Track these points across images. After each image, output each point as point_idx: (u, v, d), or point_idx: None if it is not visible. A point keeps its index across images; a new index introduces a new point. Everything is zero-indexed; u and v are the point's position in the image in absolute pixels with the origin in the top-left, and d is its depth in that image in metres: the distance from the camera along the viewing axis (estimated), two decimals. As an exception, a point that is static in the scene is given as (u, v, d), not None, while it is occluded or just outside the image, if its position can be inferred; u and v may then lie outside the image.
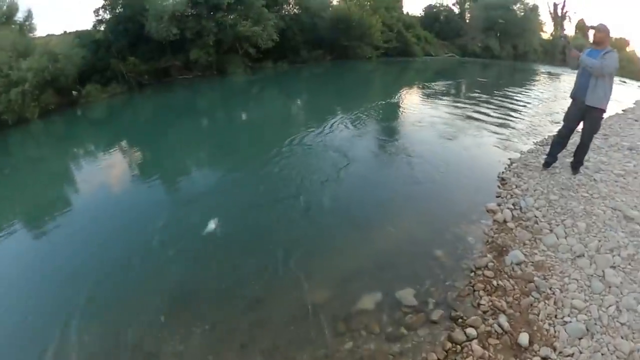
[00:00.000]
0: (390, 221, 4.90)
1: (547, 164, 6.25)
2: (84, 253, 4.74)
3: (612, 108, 6.39)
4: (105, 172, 7.70)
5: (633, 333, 3.21)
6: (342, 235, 4.64)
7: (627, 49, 43.49)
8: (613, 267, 3.92)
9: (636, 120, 11.23)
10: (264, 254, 4.35)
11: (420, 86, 16.53)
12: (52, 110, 14.19)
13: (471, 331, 3.19)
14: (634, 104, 15.25)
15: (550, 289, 3.65)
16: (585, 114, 5.48)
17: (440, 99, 13.06)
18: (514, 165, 6.57)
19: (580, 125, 5.76)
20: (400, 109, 11.85)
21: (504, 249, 4.21)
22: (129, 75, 17.37)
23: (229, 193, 6.04)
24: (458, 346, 3.10)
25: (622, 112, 12.16)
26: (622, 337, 3.16)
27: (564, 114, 5.95)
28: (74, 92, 15.64)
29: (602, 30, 5.23)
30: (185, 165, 7.87)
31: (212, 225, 4.95)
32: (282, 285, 3.89)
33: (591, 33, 5.52)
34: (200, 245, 4.67)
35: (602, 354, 3.01)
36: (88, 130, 12.66)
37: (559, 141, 6.07)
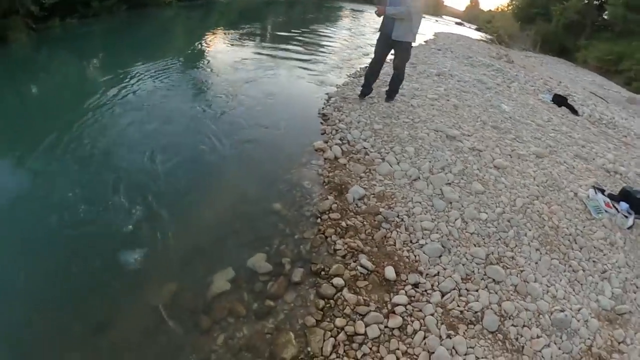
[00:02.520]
0: (217, 185, 4.63)
1: (364, 95, 6.92)
2: None
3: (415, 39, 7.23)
4: None
5: (483, 239, 3.86)
6: (169, 214, 4.18)
7: None
8: (449, 184, 4.54)
9: (439, 50, 13.21)
10: (85, 253, 3.65)
11: (226, 29, 16.23)
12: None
13: (338, 281, 3.26)
14: (434, 35, 17.87)
15: (397, 216, 4.00)
16: (393, 46, 6.23)
17: (247, 41, 13.00)
18: (333, 99, 6.94)
19: (391, 57, 6.58)
20: (207, 57, 11.37)
21: (343, 186, 4.40)
22: None
23: (26, 184, 4.92)
24: (331, 300, 3.14)
25: (424, 43, 14.05)
26: (475, 245, 3.75)
27: (374, 47, 6.49)
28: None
29: None
30: None
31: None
32: (117, 294, 3.33)
33: None
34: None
35: (463, 264, 3.54)
36: None
37: (371, 72, 6.77)
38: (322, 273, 3.38)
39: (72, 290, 3.42)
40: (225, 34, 15.48)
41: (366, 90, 6.87)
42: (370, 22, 19.45)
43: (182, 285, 3.39)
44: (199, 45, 13.19)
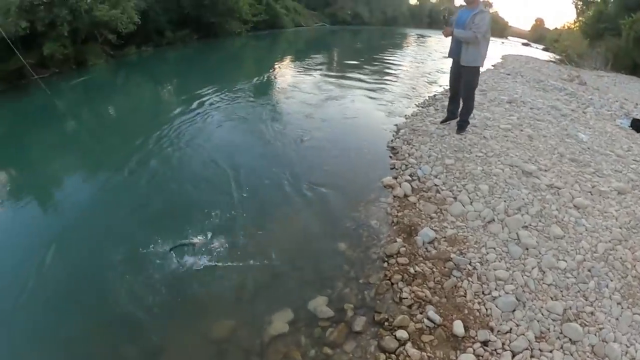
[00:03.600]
0: (282, 218, 4.54)
1: (446, 119, 6.79)
2: None
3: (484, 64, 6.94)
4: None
5: (561, 291, 3.41)
6: (232, 245, 4.15)
7: (491, 10, 49.66)
8: (525, 227, 4.14)
9: (508, 74, 12.59)
10: (150, 274, 3.71)
11: (294, 58, 16.62)
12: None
13: (402, 334, 3.01)
14: (502, 58, 17.18)
15: (469, 264, 3.68)
16: (461, 71, 6.00)
17: (314, 69, 13.16)
18: (402, 131, 6.73)
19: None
20: (275, 85, 11.64)
21: (413, 227, 4.15)
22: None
23: (102, 204, 5.13)
24: (393, 355, 2.91)
25: (492, 67, 13.51)
26: (552, 299, 3.32)
27: (443, 74, 6.37)
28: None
29: None
30: (53, 181, 6.54)
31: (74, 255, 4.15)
32: (172, 325, 3.32)
33: None
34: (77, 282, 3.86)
35: (538, 321, 3.12)
36: None
37: (450, 99, 6.64)
38: (386, 323, 3.16)
39: (130, 310, 3.42)
40: (292, 62, 15.75)
41: (448, 116, 6.76)
42: (439, 47, 19.01)
43: (240, 322, 3.29)
44: (268, 73, 13.47)
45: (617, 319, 3.22)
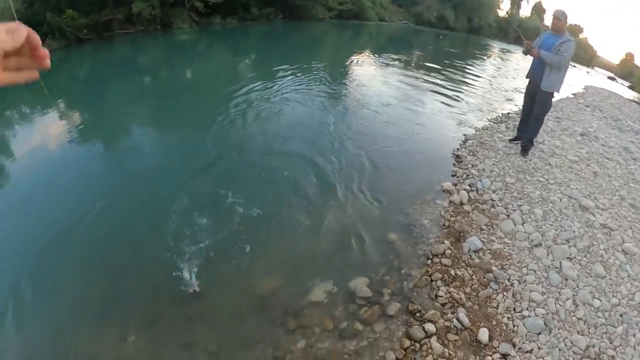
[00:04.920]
0: (340, 202, 4.71)
1: (515, 139, 6.62)
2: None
3: (563, 91, 6.68)
4: (38, 137, 6.72)
5: (589, 328, 3.37)
6: (289, 216, 4.38)
7: (580, 36, 46.74)
8: (570, 258, 4.08)
9: (587, 106, 11.97)
10: (201, 236, 3.99)
11: (374, 52, 16.44)
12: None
13: (430, 327, 3.13)
14: (584, 89, 16.27)
15: (508, 280, 3.71)
16: (536, 93, 5.84)
17: (393, 67, 13.02)
18: (469, 142, 6.66)
19: None
20: (352, 75, 11.65)
21: (462, 234, 4.21)
22: (66, 30, 15.61)
23: (172, 162, 5.51)
24: (417, 344, 3.04)
25: (572, 95, 12.88)
26: (578, 332, 3.30)
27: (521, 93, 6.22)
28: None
29: (560, 18, 5.52)
30: (128, 129, 7.11)
31: (149, 201, 4.54)
32: (223, 273, 3.59)
33: (548, 16, 5.75)
34: (137, 223, 4.25)
35: (560, 350, 3.12)
36: (20, 93, 11.22)
37: (522, 120, 6.47)
38: (417, 314, 3.28)
39: (180, 254, 3.72)
40: (372, 55, 15.58)
41: (517, 136, 6.61)
42: (521, 65, 18.20)
43: (283, 285, 3.51)
44: (346, 62, 13.43)
45: (637, 370, 3.19)
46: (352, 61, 13.86)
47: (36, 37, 0.67)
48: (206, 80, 10.99)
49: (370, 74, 11.74)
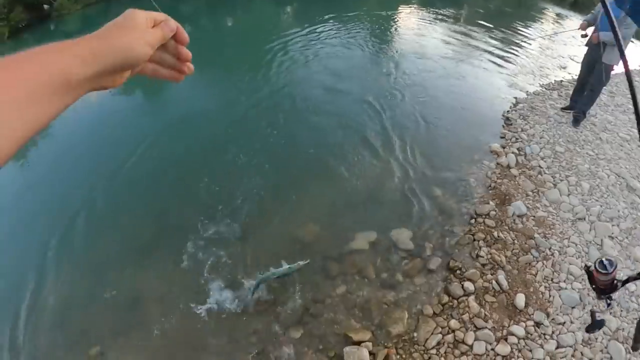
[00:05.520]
0: (386, 152, 4.60)
1: (567, 107, 6.25)
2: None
3: (620, 66, 6.23)
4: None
5: (621, 311, 3.29)
6: (336, 163, 4.31)
7: None
8: (611, 237, 3.95)
9: (644, 84, 11.18)
10: (247, 178, 3.97)
11: (422, 5, 15.50)
12: (23, 27, 12.85)
13: (469, 285, 3.11)
14: (641, 65, 15.26)
15: (549, 249, 3.62)
16: (596, 64, 5.42)
17: (443, 22, 12.23)
18: (520, 105, 6.34)
19: None
20: (400, 27, 11.07)
21: (507, 197, 4.08)
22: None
23: (216, 109, 5.43)
24: (455, 301, 3.03)
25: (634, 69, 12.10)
26: (610, 313, 3.21)
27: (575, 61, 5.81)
28: (45, 6, 13.97)
29: None
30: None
31: (188, 149, 4.52)
32: (267, 214, 3.60)
33: None
34: (187, 163, 4.32)
35: None
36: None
37: (577, 89, 6.06)
38: (458, 272, 3.25)
39: (227, 195, 3.77)
40: (419, 8, 14.72)
41: (570, 105, 6.22)
42: (576, 30, 17.02)
43: (326, 231, 3.50)
44: (393, 13, 12.74)
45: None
46: (400, 12, 13.19)
47: (185, 35, 0.63)
48: (251, 27, 10.65)
49: (418, 27, 11.14)
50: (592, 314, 1.87)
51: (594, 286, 1.66)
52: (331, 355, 2.81)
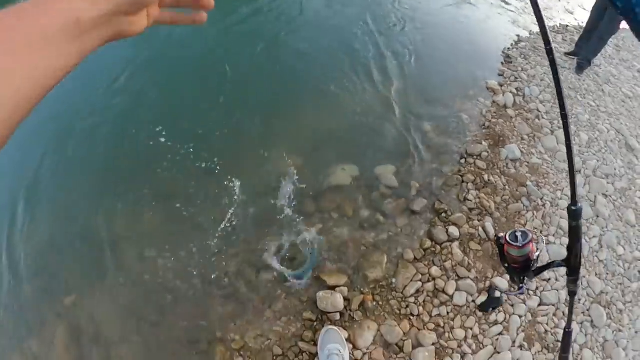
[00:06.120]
0: (378, 82, 4.07)
1: (571, 53, 5.75)
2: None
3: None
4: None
5: (607, 274, 3.07)
6: (323, 90, 3.81)
7: None
8: (605, 195, 3.64)
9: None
10: (219, 108, 3.51)
11: None
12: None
13: (454, 230, 2.77)
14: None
15: (541, 199, 3.29)
16: (606, 10, 4.99)
17: None
18: (522, 44, 5.80)
19: None
20: None
21: (501, 139, 3.68)
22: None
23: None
24: (438, 246, 2.70)
25: None
26: (596, 275, 3.00)
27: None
28: None
29: None
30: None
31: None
32: (241, 145, 3.19)
33: None
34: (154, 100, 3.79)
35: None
36: None
37: (584, 35, 5.58)
38: (443, 215, 2.89)
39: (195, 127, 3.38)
40: None
41: (575, 50, 5.71)
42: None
43: (305, 164, 3.14)
44: None
45: (636, 332, 2.91)
46: None
47: None
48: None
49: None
50: (490, 287, 1.49)
51: (506, 265, 1.28)
52: (304, 299, 2.52)
